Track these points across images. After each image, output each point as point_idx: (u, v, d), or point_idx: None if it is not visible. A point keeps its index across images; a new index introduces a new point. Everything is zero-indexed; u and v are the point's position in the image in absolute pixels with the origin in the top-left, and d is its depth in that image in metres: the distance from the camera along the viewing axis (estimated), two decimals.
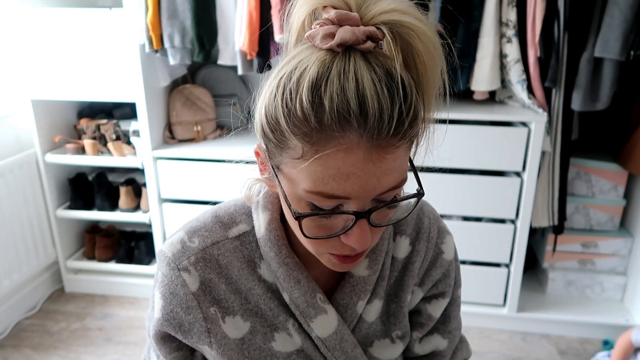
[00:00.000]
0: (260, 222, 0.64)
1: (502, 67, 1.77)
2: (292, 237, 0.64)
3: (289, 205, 0.52)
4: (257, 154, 0.58)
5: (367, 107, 0.45)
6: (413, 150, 0.55)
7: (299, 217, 0.51)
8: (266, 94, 0.50)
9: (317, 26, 0.49)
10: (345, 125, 0.45)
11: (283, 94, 0.47)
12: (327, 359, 0.67)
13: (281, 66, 0.50)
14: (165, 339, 0.65)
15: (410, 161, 0.55)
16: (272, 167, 0.54)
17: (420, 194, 0.53)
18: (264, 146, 0.54)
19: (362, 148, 0.46)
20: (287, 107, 0.47)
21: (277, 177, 0.53)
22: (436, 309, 0.74)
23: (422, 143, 0.55)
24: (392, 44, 0.48)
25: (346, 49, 0.47)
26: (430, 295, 0.74)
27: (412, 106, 0.47)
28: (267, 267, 0.65)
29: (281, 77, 0.49)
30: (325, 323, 0.65)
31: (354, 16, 0.47)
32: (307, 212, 0.51)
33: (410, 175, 0.54)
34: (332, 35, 0.47)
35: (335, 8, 0.48)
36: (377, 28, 0.47)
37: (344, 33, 0.46)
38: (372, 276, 0.67)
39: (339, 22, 0.47)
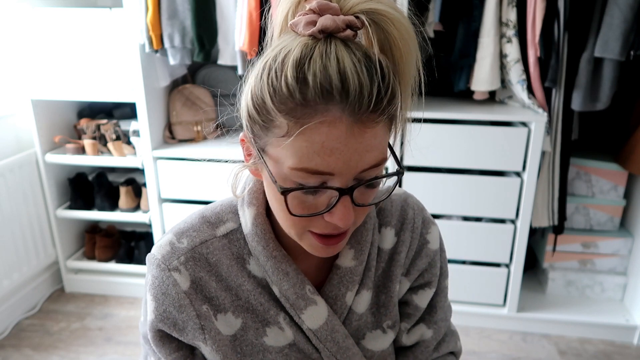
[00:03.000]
0: (247, 218, 0.65)
1: (502, 67, 1.77)
2: (278, 231, 0.65)
3: (275, 182, 0.53)
4: (242, 141, 0.60)
5: (348, 83, 0.48)
6: (392, 136, 0.58)
7: (284, 192, 0.52)
8: (252, 79, 0.53)
9: (300, 16, 0.52)
10: (328, 99, 0.48)
11: (269, 74, 0.50)
12: (320, 351, 0.67)
13: (266, 54, 0.53)
14: (164, 340, 0.65)
15: (389, 144, 0.57)
16: (258, 149, 0.55)
17: (400, 172, 0.56)
18: (250, 130, 0.56)
19: (345, 122, 0.49)
20: (272, 85, 0.50)
21: (262, 158, 0.55)
22: (422, 300, 0.74)
23: (399, 129, 0.58)
24: (370, 30, 0.51)
25: (327, 37, 0.50)
26: (417, 286, 0.75)
27: (390, 86, 0.51)
28: (256, 262, 0.66)
29: (266, 61, 0.52)
30: (315, 314, 0.66)
31: (334, 6, 0.51)
32: (292, 187, 0.53)
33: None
34: (313, 23, 0.50)
35: None
36: (356, 17, 0.51)
37: (325, 20, 0.50)
38: (358, 267, 0.68)
39: (320, 12, 0.51)
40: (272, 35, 0.58)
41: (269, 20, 0.58)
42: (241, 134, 0.59)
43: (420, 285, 0.74)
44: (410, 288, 0.74)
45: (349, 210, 0.53)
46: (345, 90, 0.48)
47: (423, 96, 0.56)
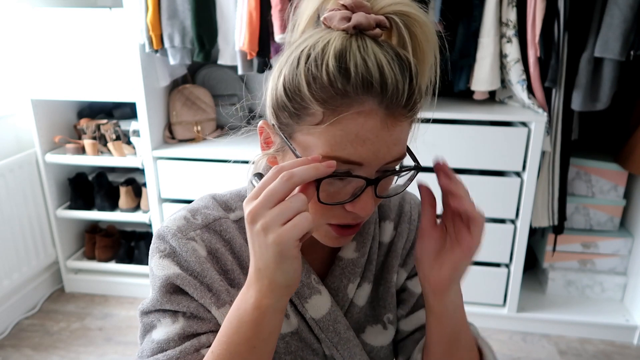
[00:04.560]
0: None
1: (502, 67, 1.77)
2: None
3: None
4: (261, 130, 0.60)
5: (386, 77, 0.50)
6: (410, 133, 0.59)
7: (319, 180, 0.52)
8: (283, 68, 0.54)
9: (334, 11, 0.54)
10: (368, 90, 0.50)
11: (306, 62, 0.51)
12: (321, 341, 0.68)
13: (298, 44, 0.54)
14: (180, 291, 0.62)
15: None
16: (285, 137, 0.55)
17: (418, 167, 0.58)
18: (275, 118, 0.56)
19: (380, 115, 0.51)
20: (311, 73, 0.51)
21: (291, 146, 0.55)
22: (417, 285, 0.75)
23: (416, 129, 0.59)
24: (400, 31, 0.54)
25: (357, 33, 0.52)
26: (413, 274, 0.76)
27: (418, 85, 0.53)
28: None
29: (302, 50, 0.52)
30: (319, 303, 0.66)
31: (366, 5, 0.53)
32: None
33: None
34: (348, 19, 0.52)
35: None
36: (386, 18, 0.53)
37: (360, 17, 0.51)
38: (360, 259, 0.69)
39: (353, 9, 0.53)
40: (296, 27, 0.59)
41: (291, 13, 0.59)
42: (260, 122, 0.59)
43: (415, 273, 0.75)
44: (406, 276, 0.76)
45: (371, 201, 0.55)
46: (383, 84, 0.50)
47: (436, 98, 0.58)
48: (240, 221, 0.67)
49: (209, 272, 0.62)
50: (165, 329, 0.61)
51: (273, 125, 0.57)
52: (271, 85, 0.56)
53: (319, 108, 0.51)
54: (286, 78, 0.53)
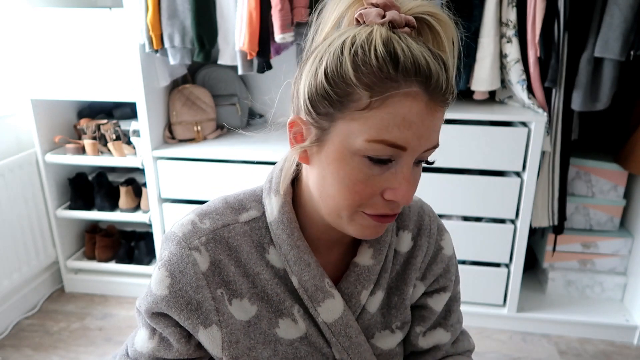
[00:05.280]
0: (273, 206, 0.65)
1: (502, 67, 1.77)
2: (302, 222, 0.66)
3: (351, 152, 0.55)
4: (291, 125, 0.60)
5: (430, 64, 0.52)
6: None
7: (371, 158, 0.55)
8: (324, 59, 0.54)
9: (369, 8, 0.56)
10: (416, 74, 0.52)
11: (351, 48, 0.52)
12: (331, 345, 0.68)
13: (335, 37, 0.55)
14: (163, 315, 0.64)
15: None
16: (323, 126, 0.56)
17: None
18: (312, 109, 0.56)
19: (424, 99, 0.53)
20: (359, 58, 0.52)
21: (327, 134, 0.56)
22: (438, 303, 0.76)
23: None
24: (427, 30, 0.57)
25: (392, 29, 0.54)
26: (432, 290, 0.76)
27: (451, 77, 0.55)
28: (277, 252, 0.66)
29: (344, 40, 0.53)
30: (332, 308, 0.66)
31: (396, 5, 0.56)
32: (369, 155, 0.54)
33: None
34: (383, 15, 0.54)
35: None
36: (414, 18, 0.55)
37: (393, 14, 0.54)
38: (376, 266, 0.69)
39: (385, 8, 0.55)
40: (319, 30, 0.60)
41: (314, 18, 0.60)
42: (290, 118, 0.60)
43: (435, 289, 0.76)
44: (425, 292, 0.76)
45: (412, 187, 0.56)
46: (429, 69, 0.52)
47: (454, 100, 0.59)
48: (251, 222, 0.66)
49: (203, 289, 0.62)
50: (142, 341, 0.67)
51: (311, 118, 0.56)
52: (307, 78, 0.56)
53: (365, 92, 0.52)
54: (329, 66, 0.53)
